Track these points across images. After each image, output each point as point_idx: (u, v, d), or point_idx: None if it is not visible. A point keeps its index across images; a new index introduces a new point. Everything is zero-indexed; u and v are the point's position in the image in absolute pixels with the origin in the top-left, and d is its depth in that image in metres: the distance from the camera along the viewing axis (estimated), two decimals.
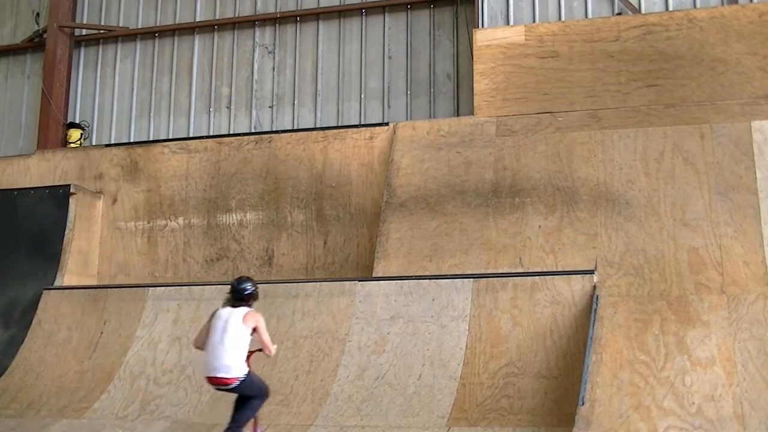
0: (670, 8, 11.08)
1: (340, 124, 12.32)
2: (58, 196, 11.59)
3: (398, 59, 12.51)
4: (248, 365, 7.49)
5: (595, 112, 10.11)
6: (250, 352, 7.57)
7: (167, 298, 10.06)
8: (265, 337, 7.57)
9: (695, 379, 7.57)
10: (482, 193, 9.91)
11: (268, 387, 7.69)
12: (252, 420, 7.60)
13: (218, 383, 7.49)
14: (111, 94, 13.83)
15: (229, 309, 7.66)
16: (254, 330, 7.57)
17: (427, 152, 10.45)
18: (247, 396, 7.54)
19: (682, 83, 9.98)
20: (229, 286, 7.81)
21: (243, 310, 7.61)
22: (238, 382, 7.41)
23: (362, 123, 12.18)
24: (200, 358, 7.53)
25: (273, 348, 7.65)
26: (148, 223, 11.67)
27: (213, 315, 7.73)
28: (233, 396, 7.50)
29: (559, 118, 10.17)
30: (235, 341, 7.46)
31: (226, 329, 7.53)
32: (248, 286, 7.73)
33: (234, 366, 7.41)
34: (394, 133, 10.82)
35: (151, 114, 13.53)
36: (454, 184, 10.09)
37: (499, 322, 8.68)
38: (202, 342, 7.68)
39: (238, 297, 7.68)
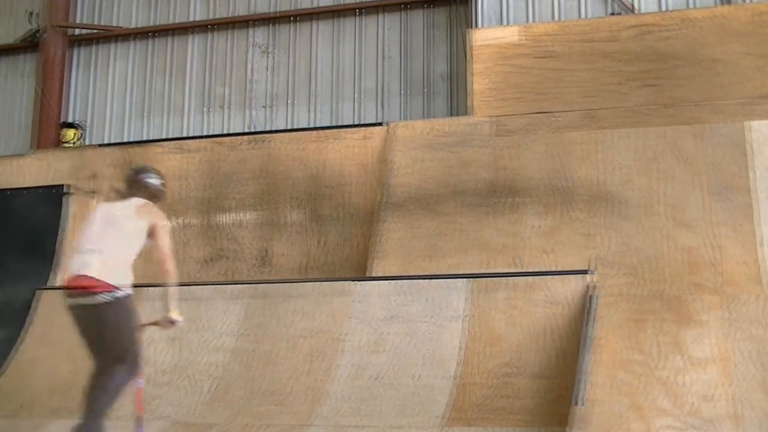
0: (667, 8, 11.11)
1: (335, 124, 12.33)
2: (53, 195, 11.57)
3: (394, 59, 12.52)
4: (130, 285, 5.49)
5: (592, 112, 10.12)
6: (141, 325, 5.86)
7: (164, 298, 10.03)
8: (165, 242, 5.86)
9: (691, 379, 7.57)
10: (479, 193, 9.91)
11: (141, 352, 5.62)
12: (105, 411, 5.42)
13: (79, 289, 5.48)
14: (106, 93, 13.82)
15: (114, 204, 6.00)
16: (151, 231, 5.81)
17: (424, 152, 10.45)
18: (109, 348, 5.42)
19: (679, 83, 9.99)
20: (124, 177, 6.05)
21: (138, 200, 5.98)
22: (108, 296, 5.48)
23: (358, 123, 12.19)
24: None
25: (173, 267, 5.89)
26: None
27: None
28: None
29: (556, 119, 10.18)
30: (121, 237, 5.65)
31: (110, 221, 5.82)
32: (151, 176, 6.14)
33: (112, 269, 5.48)
34: (390, 133, 10.82)
35: (147, 114, 13.52)
36: (451, 184, 10.09)
37: (496, 322, 8.68)
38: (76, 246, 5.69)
39: (133, 187, 5.96)
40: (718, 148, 9.38)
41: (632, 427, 7.24)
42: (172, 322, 6.16)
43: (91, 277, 5.36)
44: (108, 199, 6.00)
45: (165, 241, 5.78)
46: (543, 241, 9.42)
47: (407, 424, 8.01)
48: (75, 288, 5.44)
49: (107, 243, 5.63)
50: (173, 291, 6.07)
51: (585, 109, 10.18)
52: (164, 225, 5.92)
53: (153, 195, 6.14)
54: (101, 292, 5.43)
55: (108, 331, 5.33)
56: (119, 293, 5.47)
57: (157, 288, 10.08)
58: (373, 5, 12.78)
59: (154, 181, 6.18)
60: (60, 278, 5.13)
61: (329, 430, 8.11)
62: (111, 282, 5.42)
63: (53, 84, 13.61)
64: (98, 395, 5.58)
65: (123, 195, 6.04)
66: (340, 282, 9.57)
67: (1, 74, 14.53)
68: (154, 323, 6.20)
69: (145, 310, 9.96)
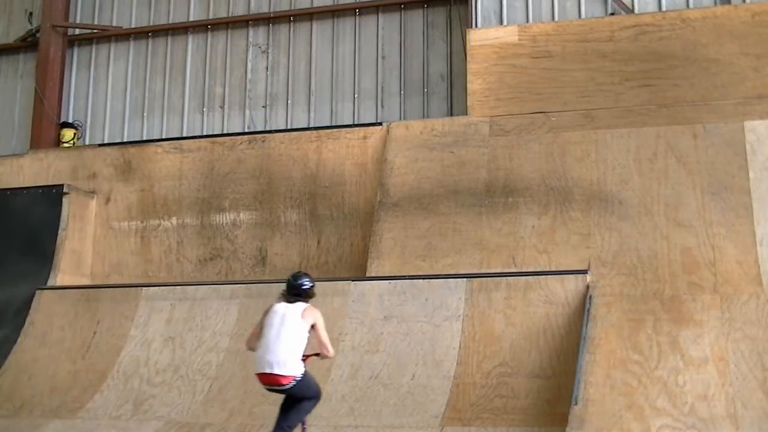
0: (664, 8, 11.10)
1: (333, 124, 12.32)
2: (52, 195, 11.57)
3: (392, 59, 12.51)
4: (304, 365, 7.05)
5: (589, 112, 10.12)
6: (306, 356, 7.14)
7: (161, 297, 10.05)
8: (323, 335, 7.19)
9: (688, 379, 7.58)
10: (476, 193, 9.91)
11: (320, 388, 7.32)
12: (300, 423, 7.16)
13: (272, 382, 7.03)
14: (104, 93, 13.82)
15: (284, 304, 7.26)
16: (312, 327, 7.19)
17: (421, 152, 10.45)
18: (299, 398, 7.10)
19: (676, 83, 9.99)
20: (285, 283, 7.40)
21: (301, 305, 7.23)
22: (293, 383, 6.99)
23: (356, 123, 12.19)
24: (253, 357, 7.22)
25: (331, 349, 7.27)
26: (142, 222, 11.65)
27: (267, 311, 7.31)
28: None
29: (553, 119, 10.18)
30: (292, 337, 7.05)
31: (283, 323, 7.13)
32: (306, 281, 7.37)
33: (290, 364, 6.98)
34: (388, 132, 10.82)
35: (145, 114, 13.52)
36: (447, 184, 10.09)
37: (493, 322, 8.69)
38: (254, 341, 7.24)
39: (295, 293, 7.30)
40: (714, 148, 9.38)
41: (630, 426, 7.25)
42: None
43: (279, 375, 6.99)
44: (277, 301, 7.37)
45: (324, 335, 7.20)
46: (539, 240, 9.42)
47: (404, 424, 8.02)
48: (269, 382, 7.07)
49: (283, 345, 7.07)
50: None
51: (582, 109, 10.18)
52: (321, 321, 7.24)
53: (308, 296, 7.39)
54: (289, 383, 7.01)
55: (300, 394, 7.12)
56: (299, 376, 7.02)
57: (151, 288, 10.16)
58: (371, 5, 12.77)
59: (308, 285, 7.41)
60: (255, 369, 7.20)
61: (326, 430, 8.11)
62: (293, 374, 6.99)
63: (52, 84, 13.62)
64: (295, 413, 7.22)
65: (288, 299, 7.34)
66: (337, 282, 9.59)
67: None
68: (315, 355, 7.33)
69: (145, 309, 10.05)
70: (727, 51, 9.95)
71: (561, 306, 8.60)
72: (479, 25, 11.69)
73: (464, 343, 8.62)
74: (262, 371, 7.05)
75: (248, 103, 13.08)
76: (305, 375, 7.06)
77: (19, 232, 11.55)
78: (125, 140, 13.25)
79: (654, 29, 10.30)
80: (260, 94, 13.09)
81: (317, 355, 7.27)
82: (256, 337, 7.26)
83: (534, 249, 9.39)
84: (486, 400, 8.15)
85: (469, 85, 10.78)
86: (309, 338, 7.15)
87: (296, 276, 7.48)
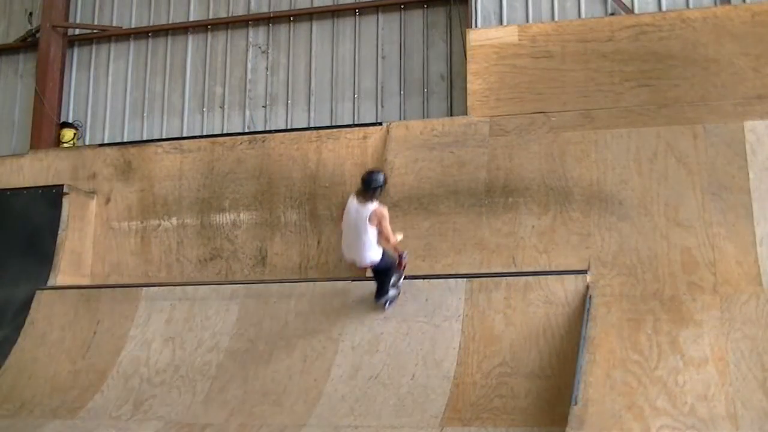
0: (664, 8, 11.11)
1: (333, 124, 12.33)
2: (52, 196, 11.56)
3: (392, 59, 12.52)
4: (380, 251, 8.44)
5: (588, 112, 10.12)
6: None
7: (160, 297, 10.05)
8: (387, 228, 8.40)
9: (688, 379, 7.58)
10: (475, 193, 9.91)
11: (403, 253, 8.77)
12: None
13: (360, 269, 8.83)
14: (104, 93, 13.83)
15: (356, 205, 8.48)
16: (378, 222, 8.39)
17: (421, 152, 10.45)
18: (386, 269, 8.68)
19: (675, 83, 9.99)
20: (360, 178, 8.62)
21: (369, 209, 8.38)
22: (374, 265, 8.55)
23: (356, 123, 12.20)
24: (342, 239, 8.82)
25: (396, 237, 8.52)
26: (142, 223, 11.65)
27: (345, 210, 8.65)
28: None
29: (553, 119, 10.18)
30: (364, 236, 8.38)
31: (356, 226, 8.44)
32: (379, 177, 8.54)
33: (367, 255, 8.47)
34: (388, 132, 10.82)
35: (145, 114, 13.53)
36: (447, 184, 10.10)
37: (493, 322, 8.69)
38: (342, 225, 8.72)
39: (366, 187, 8.45)
40: (714, 148, 9.38)
41: (629, 426, 7.24)
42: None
43: (363, 267, 8.65)
44: (353, 197, 8.60)
45: (387, 229, 8.41)
46: (539, 240, 9.42)
47: (403, 424, 8.02)
48: (358, 269, 8.84)
49: (359, 244, 8.45)
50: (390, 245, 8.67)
51: (581, 109, 10.19)
52: (385, 221, 8.40)
53: (378, 190, 8.49)
54: (370, 266, 8.60)
55: (383, 267, 8.66)
56: (377, 260, 8.50)
57: (151, 288, 10.17)
58: (371, 5, 12.77)
59: (379, 181, 8.51)
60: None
61: (325, 430, 8.11)
62: (373, 261, 8.50)
63: (51, 84, 13.62)
64: (385, 282, 8.82)
65: (360, 196, 8.50)
66: (336, 282, 9.59)
67: None
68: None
69: (145, 309, 10.05)
70: (727, 51, 9.95)
71: (561, 306, 8.60)
72: (479, 25, 11.70)
73: (464, 343, 8.62)
74: (351, 263, 8.76)
75: (248, 103, 13.08)
76: (384, 254, 8.55)
77: (19, 233, 11.54)
78: (125, 140, 13.26)
79: (654, 29, 10.30)
80: (260, 94, 13.09)
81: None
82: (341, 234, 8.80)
83: (534, 249, 9.39)
84: (486, 400, 8.15)
85: (469, 85, 10.79)
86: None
87: (370, 172, 8.71)
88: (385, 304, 8.93)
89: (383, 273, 8.76)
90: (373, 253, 8.47)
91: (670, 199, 9.21)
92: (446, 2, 12.44)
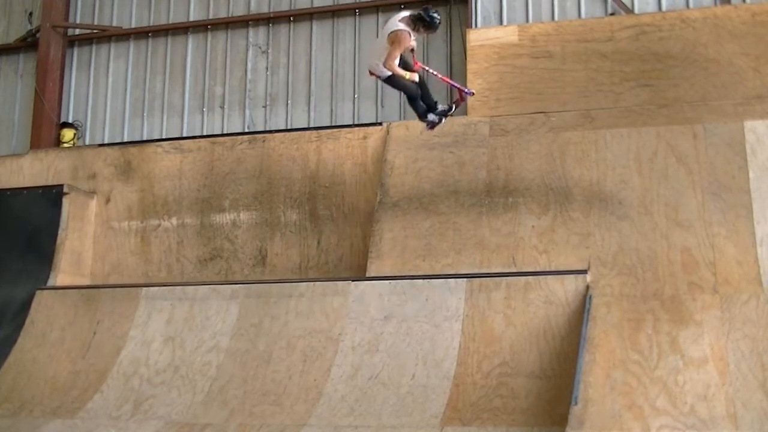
0: (664, 8, 11.11)
1: (333, 124, 12.34)
2: (52, 196, 11.55)
3: None
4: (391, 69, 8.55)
5: (588, 112, 10.12)
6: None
7: (160, 297, 10.05)
8: (391, 53, 8.52)
9: (688, 379, 7.58)
10: (475, 193, 9.91)
11: (415, 86, 8.95)
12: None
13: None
14: (104, 93, 13.84)
15: (396, 19, 8.65)
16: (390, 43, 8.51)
17: (421, 152, 10.45)
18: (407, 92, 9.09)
19: (675, 83, 9.99)
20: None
21: (396, 26, 8.54)
22: (381, 77, 8.85)
23: (356, 123, 12.20)
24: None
25: (393, 63, 8.52)
26: (142, 222, 11.65)
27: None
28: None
29: (553, 119, 10.19)
30: (378, 47, 8.72)
31: (380, 35, 8.90)
32: (432, 14, 8.64)
33: (374, 66, 8.79)
34: (388, 132, 10.82)
35: (145, 114, 13.54)
36: (447, 184, 10.09)
37: (493, 322, 8.68)
38: None
39: (413, 14, 8.61)
40: (714, 148, 9.37)
41: (629, 426, 7.24)
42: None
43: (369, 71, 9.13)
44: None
45: (392, 53, 8.52)
46: (539, 240, 9.41)
47: (403, 424, 8.02)
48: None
49: (373, 49, 9.07)
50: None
51: (581, 109, 10.19)
52: (398, 43, 8.46)
53: (415, 21, 8.59)
54: (377, 77, 9.07)
55: (398, 88, 9.32)
56: (383, 77, 8.86)
57: (151, 288, 10.17)
58: (371, 5, 12.78)
59: (425, 14, 8.64)
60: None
61: (325, 430, 8.11)
62: (379, 74, 8.85)
63: (51, 84, 13.64)
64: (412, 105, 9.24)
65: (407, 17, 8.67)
66: (336, 282, 9.57)
67: None
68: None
69: (145, 309, 10.05)
70: (727, 51, 9.95)
71: (561, 306, 8.59)
72: (479, 25, 11.72)
73: (464, 343, 8.62)
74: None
75: (248, 103, 13.09)
76: (391, 77, 8.80)
77: (19, 232, 11.53)
78: (125, 140, 13.27)
79: (654, 29, 10.30)
80: (260, 94, 13.10)
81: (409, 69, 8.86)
82: None
83: (534, 249, 9.38)
84: (486, 400, 8.14)
85: (468, 85, 10.78)
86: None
87: (427, 9, 8.73)
88: (427, 125, 9.50)
89: (408, 97, 9.26)
90: (379, 68, 8.77)
91: (670, 199, 9.20)
92: (446, 2, 12.44)
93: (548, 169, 9.81)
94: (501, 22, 11.69)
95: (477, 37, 10.98)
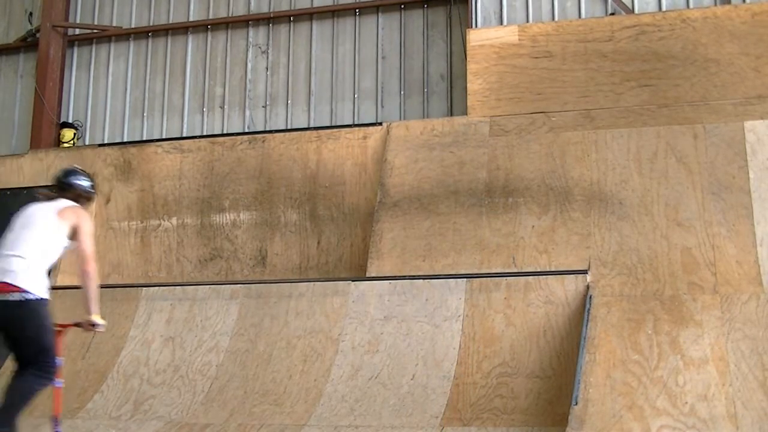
0: (664, 8, 11.11)
1: (333, 124, 12.34)
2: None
3: (392, 59, 12.52)
4: (48, 290, 5.68)
5: (589, 112, 10.12)
6: (62, 326, 5.98)
7: (160, 298, 10.05)
8: (87, 242, 5.96)
9: (688, 379, 7.58)
10: (475, 193, 9.91)
11: (58, 365, 5.82)
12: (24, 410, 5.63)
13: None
14: (104, 93, 13.83)
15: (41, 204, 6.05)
16: (74, 233, 5.92)
17: (421, 152, 10.45)
18: (27, 349, 5.67)
19: (675, 83, 10.00)
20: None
21: (63, 202, 6.11)
22: (24, 298, 5.67)
23: (356, 123, 12.20)
24: None
25: (92, 266, 5.97)
26: (142, 222, 11.64)
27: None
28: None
29: (553, 119, 10.19)
30: (39, 239, 5.78)
31: (30, 223, 5.93)
32: (78, 178, 6.27)
33: (27, 275, 5.70)
34: (388, 132, 10.82)
35: (145, 114, 13.53)
36: (447, 184, 10.09)
37: (493, 322, 8.69)
38: None
39: (61, 188, 6.12)
40: (714, 148, 9.37)
41: (630, 426, 7.24)
42: (93, 325, 6.24)
43: (7, 283, 5.57)
44: (38, 200, 6.10)
45: (86, 244, 5.88)
46: (539, 241, 9.41)
47: (403, 424, 8.02)
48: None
49: (25, 244, 5.78)
50: (94, 294, 6.17)
51: (581, 109, 10.19)
52: (87, 227, 5.97)
53: (79, 196, 6.25)
54: (18, 295, 5.67)
55: (28, 333, 5.59)
56: (34, 296, 5.66)
57: (151, 288, 10.17)
58: (370, 5, 12.77)
59: (81, 182, 6.29)
60: None
61: (325, 430, 8.11)
62: (27, 288, 5.63)
63: (51, 84, 13.63)
64: (11, 396, 5.70)
65: (51, 197, 6.14)
66: (336, 282, 9.58)
67: None
68: (76, 325, 6.22)
69: (145, 309, 10.04)
70: (727, 51, 9.95)
71: (561, 306, 8.60)
72: (479, 25, 11.71)
73: (464, 343, 8.62)
74: None
75: (248, 103, 13.08)
76: (45, 303, 5.87)
77: None
78: (125, 140, 13.26)
79: (654, 29, 10.30)
80: (260, 94, 13.09)
81: (78, 325, 6.28)
82: None
83: (534, 249, 9.38)
84: (486, 400, 8.15)
85: (469, 85, 10.79)
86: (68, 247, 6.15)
87: (67, 171, 6.52)
88: None
89: (21, 363, 5.86)
90: (35, 281, 5.99)
91: (670, 199, 9.20)
92: (446, 2, 12.44)
93: (548, 169, 9.81)
94: (501, 22, 11.69)
95: (477, 37, 10.98)
